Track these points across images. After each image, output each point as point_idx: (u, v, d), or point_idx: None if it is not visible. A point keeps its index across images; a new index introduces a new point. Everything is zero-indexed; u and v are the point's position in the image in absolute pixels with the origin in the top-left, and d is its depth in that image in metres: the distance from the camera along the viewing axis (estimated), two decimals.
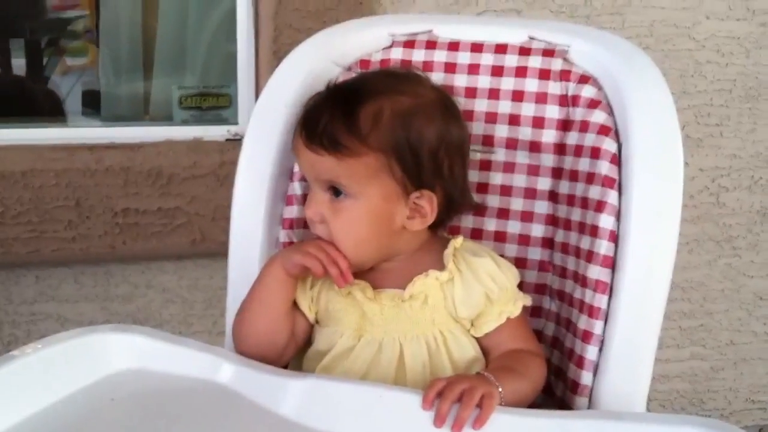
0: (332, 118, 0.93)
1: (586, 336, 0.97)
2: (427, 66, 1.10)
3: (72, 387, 0.88)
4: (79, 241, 1.62)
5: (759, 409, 2.11)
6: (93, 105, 2.10)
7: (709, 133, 1.94)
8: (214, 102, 1.81)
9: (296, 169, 1.08)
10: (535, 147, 1.07)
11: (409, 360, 0.95)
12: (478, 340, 0.98)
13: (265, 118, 1.09)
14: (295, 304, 1.00)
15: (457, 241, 0.99)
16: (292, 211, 1.08)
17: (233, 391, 0.90)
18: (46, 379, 0.87)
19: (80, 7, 2.19)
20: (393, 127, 0.93)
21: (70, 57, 2.24)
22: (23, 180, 1.58)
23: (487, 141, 1.09)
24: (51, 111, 2.14)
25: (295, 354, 1.01)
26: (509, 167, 1.09)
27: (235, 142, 1.70)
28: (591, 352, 0.97)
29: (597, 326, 0.97)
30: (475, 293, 0.96)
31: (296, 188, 1.08)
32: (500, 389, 0.87)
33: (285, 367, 1.00)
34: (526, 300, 1.00)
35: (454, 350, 0.96)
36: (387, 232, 0.96)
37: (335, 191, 0.95)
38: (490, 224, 1.10)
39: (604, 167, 0.99)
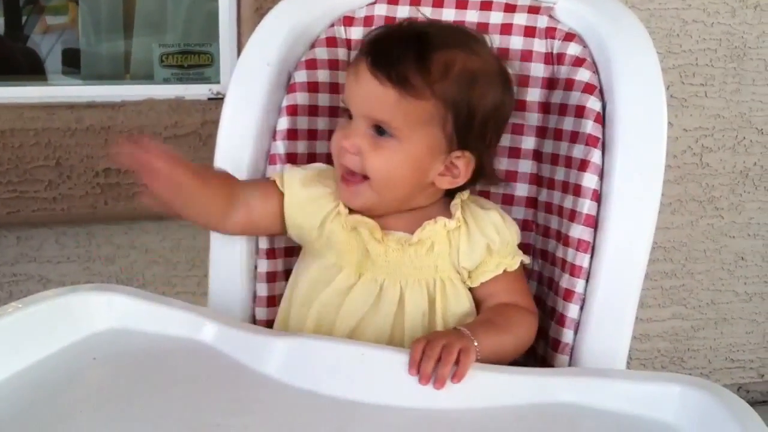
0: (405, 54, 0.92)
1: (568, 294, 0.98)
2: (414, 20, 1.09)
3: (54, 346, 0.88)
4: (60, 201, 1.60)
5: (738, 367, 2.14)
6: (73, 64, 2.07)
7: (694, 92, 1.93)
8: (196, 60, 1.78)
9: (279, 127, 1.07)
10: (520, 106, 1.06)
11: (409, 305, 0.96)
12: (473, 291, 0.99)
13: (247, 77, 1.07)
14: (277, 195, 0.99)
15: (464, 194, 1.00)
16: (274, 170, 1.07)
17: (216, 350, 0.90)
18: (28, 339, 0.86)
19: None
20: (460, 82, 0.92)
21: (50, 16, 2.20)
22: (2, 139, 1.55)
23: None
24: (31, 70, 2.11)
25: (244, 230, 1.02)
26: None
27: (218, 101, 1.67)
28: (572, 311, 0.98)
29: (579, 285, 0.97)
30: (478, 245, 0.97)
31: (279, 147, 1.07)
32: (476, 343, 0.88)
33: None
34: (525, 258, 1.01)
35: (451, 300, 0.97)
36: (417, 182, 0.96)
37: (379, 129, 0.94)
38: None
39: (589, 126, 0.99)
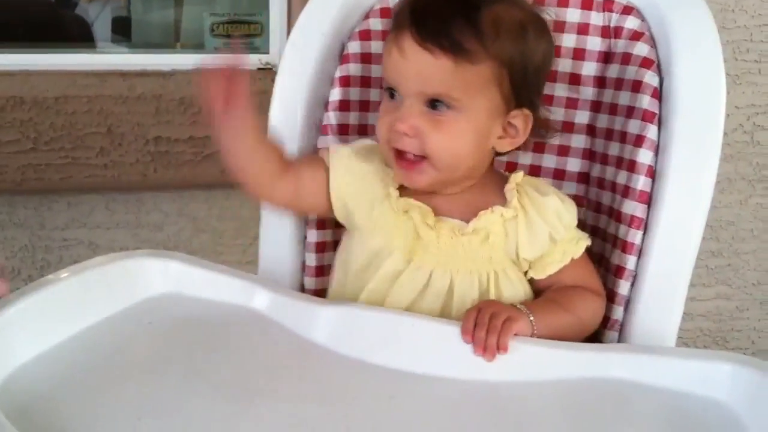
0: (453, 18, 0.86)
1: (619, 271, 0.98)
2: None
3: (110, 310, 0.90)
4: (111, 168, 1.62)
5: None
6: (123, 32, 2.09)
7: (747, 69, 1.90)
8: (246, 30, 1.79)
9: (331, 98, 1.07)
10: (574, 79, 1.05)
11: (458, 297, 0.92)
12: (537, 281, 0.96)
13: (301, 46, 1.07)
14: (324, 172, 0.98)
15: (518, 176, 0.96)
16: (326, 141, 1.07)
17: (267, 317, 0.92)
18: (85, 302, 0.88)
19: None
20: (513, 37, 0.88)
21: None
22: (56, 106, 1.58)
23: None
24: (81, 37, 2.13)
25: (288, 205, 1.01)
26: (547, 100, 1.06)
27: (267, 71, 1.68)
28: (623, 287, 0.97)
29: (630, 261, 0.97)
30: (540, 234, 0.93)
31: (331, 118, 1.07)
32: (531, 318, 0.87)
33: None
34: (587, 239, 0.97)
35: (504, 291, 0.93)
36: (480, 151, 0.92)
37: (433, 104, 0.89)
38: (526, 158, 1.09)
39: (645, 101, 0.98)
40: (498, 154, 0.97)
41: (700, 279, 2.03)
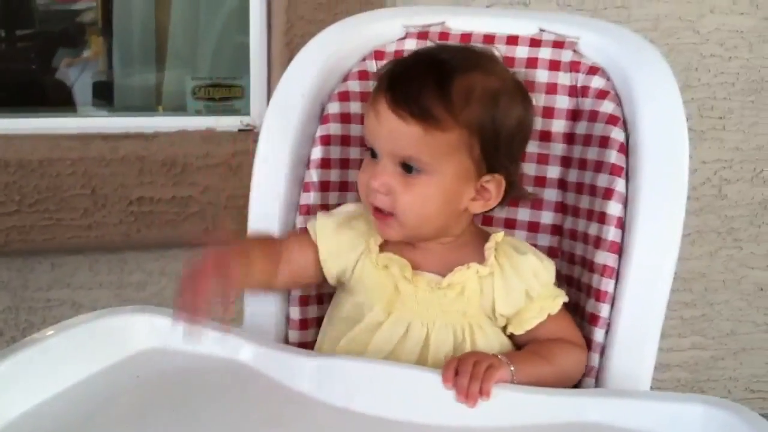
0: (425, 86, 0.91)
1: (593, 319, 1.01)
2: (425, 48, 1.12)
3: (99, 365, 0.91)
4: (95, 228, 1.65)
5: (759, 398, 2.14)
6: (104, 96, 2.13)
7: (712, 125, 1.97)
8: (227, 93, 1.84)
9: (313, 156, 1.11)
10: (545, 136, 1.10)
11: (434, 347, 0.96)
12: (516, 337, 0.99)
13: (283, 108, 1.11)
14: (313, 248, 1.01)
15: (498, 235, 0.99)
16: (308, 198, 1.10)
17: (254, 369, 0.94)
18: (74, 358, 0.90)
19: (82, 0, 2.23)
20: (482, 106, 0.92)
21: (73, 50, 2.28)
22: (40, 168, 1.61)
23: None
24: (61, 101, 2.17)
25: (287, 286, 1.06)
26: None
27: (248, 132, 1.73)
28: (598, 335, 1.00)
29: (604, 309, 1.00)
30: (515, 291, 0.97)
31: (312, 175, 1.11)
32: (512, 368, 0.90)
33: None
34: (564, 296, 1.00)
35: (479, 343, 0.97)
36: (451, 211, 0.96)
37: (406, 166, 0.93)
38: (501, 211, 1.13)
39: (613, 156, 1.02)
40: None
41: (675, 330, 2.07)
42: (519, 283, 0.97)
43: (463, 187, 0.95)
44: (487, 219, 1.13)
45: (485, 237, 1.00)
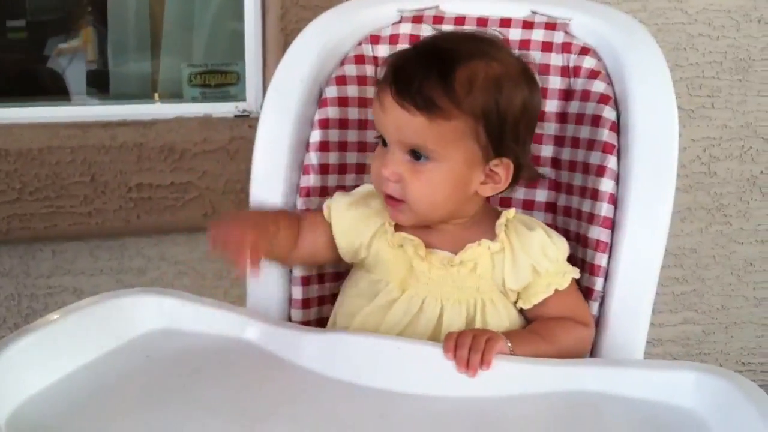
0: (427, 77, 0.93)
1: (588, 292, 1.04)
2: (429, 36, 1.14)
3: (109, 345, 0.94)
4: (95, 215, 1.67)
5: (749, 371, 2.19)
6: (99, 85, 2.15)
7: (701, 104, 2.00)
8: (222, 79, 1.86)
9: (312, 140, 1.13)
10: (538, 116, 1.12)
11: (447, 323, 0.99)
12: (525, 312, 1.02)
13: (282, 92, 1.13)
14: (327, 227, 1.05)
15: (510, 213, 1.02)
16: (308, 180, 1.13)
17: (259, 347, 0.97)
18: (86, 339, 0.92)
19: None
20: (486, 92, 0.94)
21: (64, 39, 2.29)
22: (40, 157, 1.62)
23: None
24: (55, 90, 2.19)
25: (304, 262, 1.10)
26: None
27: (244, 118, 1.75)
28: (592, 308, 1.04)
29: (598, 283, 1.03)
30: (523, 266, 0.99)
31: (312, 158, 1.13)
32: (509, 344, 0.93)
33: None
34: (575, 272, 1.02)
35: (490, 319, 1.00)
36: (461, 196, 0.99)
37: (415, 154, 0.96)
38: (513, 192, 1.14)
39: (605, 134, 1.05)
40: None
41: (667, 305, 2.11)
42: (526, 259, 1.00)
43: (471, 172, 0.98)
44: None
45: (497, 215, 1.03)
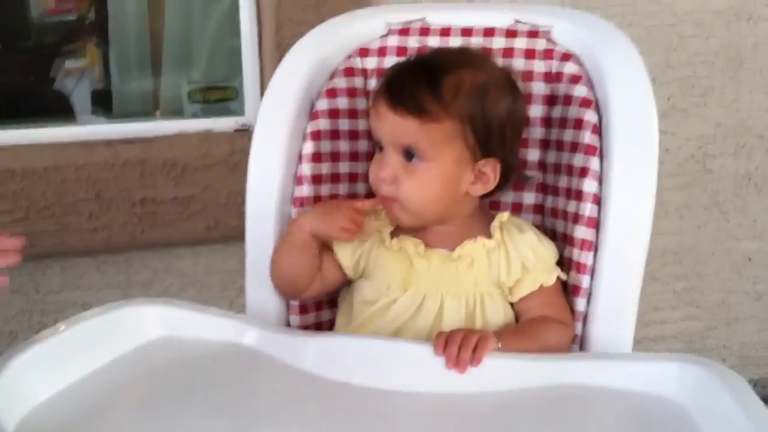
0: (418, 84, 1.02)
1: (575, 290, 1.07)
2: (421, 52, 1.19)
3: (114, 354, 0.97)
4: (101, 231, 1.71)
5: (752, 364, 2.20)
6: (103, 104, 2.19)
7: (694, 103, 2.02)
8: (221, 95, 1.90)
9: (304, 151, 1.17)
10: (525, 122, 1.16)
11: (447, 315, 1.05)
12: (513, 306, 1.07)
13: (275, 106, 1.17)
14: (332, 252, 1.10)
15: (503, 216, 1.08)
16: (302, 191, 1.16)
17: (258, 351, 1.00)
18: (92, 348, 0.96)
19: (76, 11, 2.28)
20: (471, 98, 1.03)
21: (69, 60, 2.33)
22: (46, 176, 1.67)
23: None
24: (61, 110, 2.23)
25: (319, 293, 1.14)
26: None
27: (243, 132, 1.79)
28: (580, 304, 1.07)
29: (584, 281, 1.06)
30: (514, 263, 1.06)
31: (305, 169, 1.16)
32: (499, 345, 0.96)
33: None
34: (562, 274, 1.08)
35: (489, 312, 1.06)
36: (452, 195, 1.06)
37: (408, 155, 1.03)
38: (506, 196, 1.19)
39: (587, 136, 1.08)
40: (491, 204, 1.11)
41: (668, 302, 2.12)
42: (517, 256, 1.06)
43: (461, 172, 1.05)
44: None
45: (491, 218, 1.09)
